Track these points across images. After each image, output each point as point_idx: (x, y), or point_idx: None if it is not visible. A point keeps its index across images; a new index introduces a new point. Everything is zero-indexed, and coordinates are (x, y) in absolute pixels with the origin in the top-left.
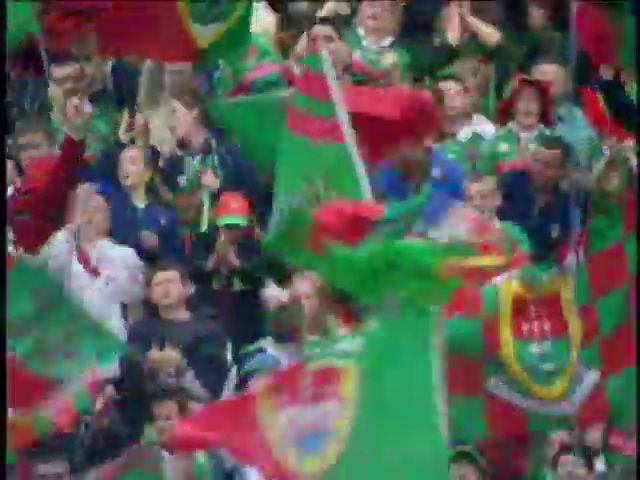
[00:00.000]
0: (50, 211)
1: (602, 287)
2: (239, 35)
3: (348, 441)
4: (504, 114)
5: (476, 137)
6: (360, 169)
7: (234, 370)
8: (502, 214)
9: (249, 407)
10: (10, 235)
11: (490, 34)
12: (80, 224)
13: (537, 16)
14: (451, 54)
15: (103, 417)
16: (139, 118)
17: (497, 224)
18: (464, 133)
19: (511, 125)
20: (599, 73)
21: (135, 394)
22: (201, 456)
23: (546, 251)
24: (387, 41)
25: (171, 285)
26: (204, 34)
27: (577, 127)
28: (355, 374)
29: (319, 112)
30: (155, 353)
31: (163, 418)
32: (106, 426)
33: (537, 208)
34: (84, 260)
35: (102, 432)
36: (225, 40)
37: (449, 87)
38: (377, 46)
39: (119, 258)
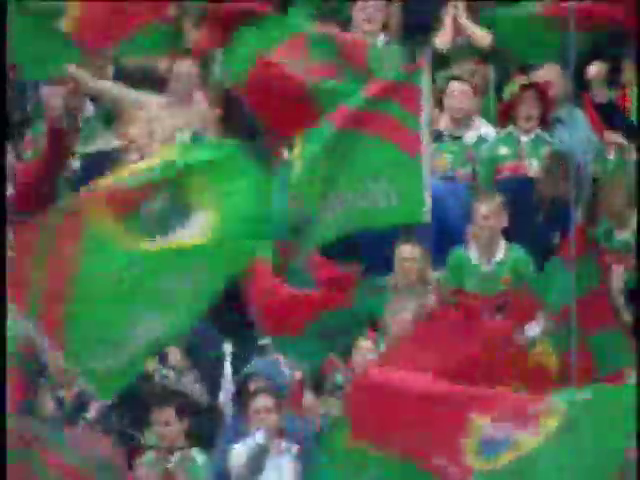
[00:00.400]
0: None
1: (591, 326)
2: None
3: (528, 455)
4: (504, 117)
5: (481, 141)
6: (427, 189)
7: (230, 371)
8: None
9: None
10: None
11: (483, 37)
12: None
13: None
14: (441, 59)
15: (99, 422)
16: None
17: (503, 244)
18: (469, 137)
19: (511, 128)
20: (593, 95)
21: (133, 397)
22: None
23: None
24: (379, 43)
25: None
26: None
27: (577, 129)
28: (562, 417)
29: (405, 121)
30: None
31: (162, 424)
32: (104, 431)
33: (540, 215)
34: None
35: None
36: None
37: (454, 88)
38: None
39: None
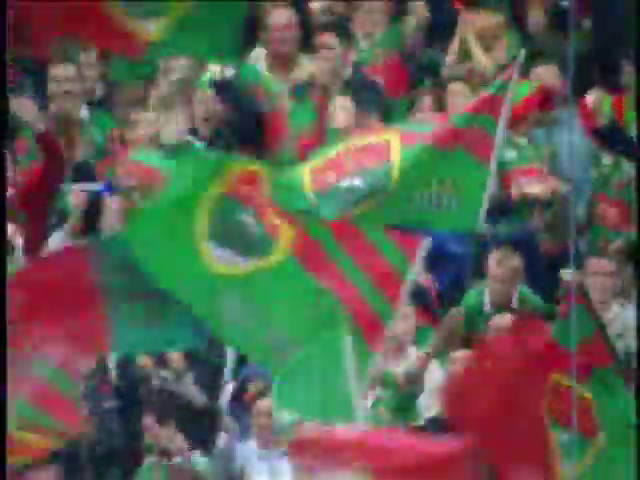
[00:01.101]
0: (43, 211)
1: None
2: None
3: None
4: (517, 120)
5: None
6: (487, 194)
7: (231, 375)
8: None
9: None
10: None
11: (486, 65)
12: (104, 229)
13: (537, 18)
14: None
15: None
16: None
17: (517, 294)
18: None
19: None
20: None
21: (132, 400)
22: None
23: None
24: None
25: None
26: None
27: (574, 130)
28: None
29: (482, 124)
30: (146, 360)
31: (146, 428)
32: (103, 438)
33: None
34: None
35: (100, 443)
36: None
37: (456, 88)
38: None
39: None
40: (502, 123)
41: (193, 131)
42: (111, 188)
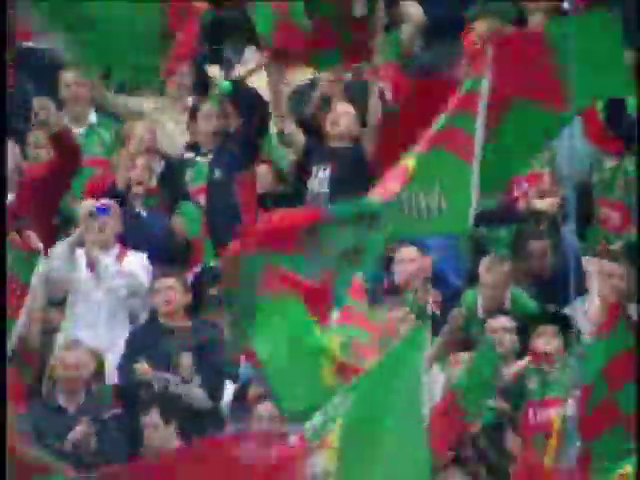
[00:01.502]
0: (47, 216)
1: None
2: None
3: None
4: None
5: None
6: (474, 191)
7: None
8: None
9: None
10: None
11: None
12: (90, 233)
13: (537, 18)
14: None
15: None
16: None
17: (509, 295)
18: None
19: None
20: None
21: (133, 403)
22: None
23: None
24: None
25: (172, 292)
26: None
27: (574, 138)
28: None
29: (460, 124)
30: (142, 366)
31: (149, 428)
32: (97, 447)
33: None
34: (91, 267)
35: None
36: None
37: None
38: None
39: (126, 267)
40: (480, 119)
41: (192, 147)
42: (105, 211)
